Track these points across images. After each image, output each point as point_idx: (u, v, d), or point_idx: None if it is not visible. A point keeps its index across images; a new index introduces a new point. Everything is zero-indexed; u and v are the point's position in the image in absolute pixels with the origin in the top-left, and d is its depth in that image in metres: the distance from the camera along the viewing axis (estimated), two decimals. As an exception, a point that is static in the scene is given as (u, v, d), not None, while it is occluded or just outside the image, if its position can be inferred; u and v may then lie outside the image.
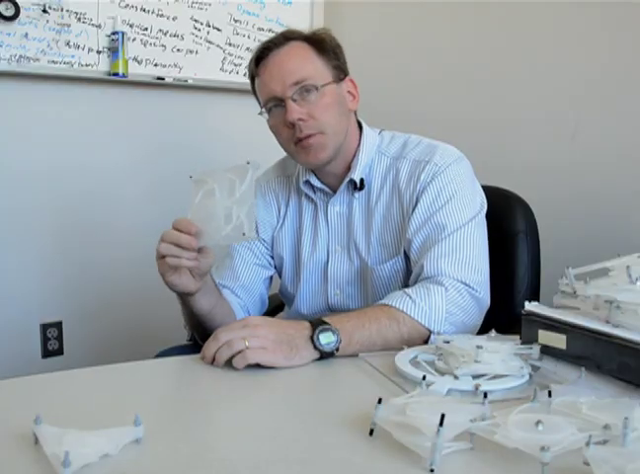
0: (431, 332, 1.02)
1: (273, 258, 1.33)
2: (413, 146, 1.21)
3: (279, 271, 1.34)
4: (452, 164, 1.16)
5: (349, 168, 1.21)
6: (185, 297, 1.10)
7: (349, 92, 1.22)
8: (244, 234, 0.97)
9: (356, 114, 1.26)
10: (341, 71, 1.20)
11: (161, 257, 1.01)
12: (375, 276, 1.20)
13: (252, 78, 1.22)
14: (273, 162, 1.38)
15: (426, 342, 1.02)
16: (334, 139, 1.16)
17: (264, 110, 1.18)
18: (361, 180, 1.20)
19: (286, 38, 1.17)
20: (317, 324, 0.94)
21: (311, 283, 1.28)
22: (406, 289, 1.06)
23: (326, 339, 0.93)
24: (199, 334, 1.18)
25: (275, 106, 1.16)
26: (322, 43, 1.18)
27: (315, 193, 1.26)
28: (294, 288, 1.30)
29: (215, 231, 0.99)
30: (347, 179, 1.21)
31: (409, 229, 1.15)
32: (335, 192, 1.24)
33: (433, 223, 1.12)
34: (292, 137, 1.15)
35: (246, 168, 0.99)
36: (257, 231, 1.24)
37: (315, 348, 0.92)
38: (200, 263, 1.02)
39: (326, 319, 0.96)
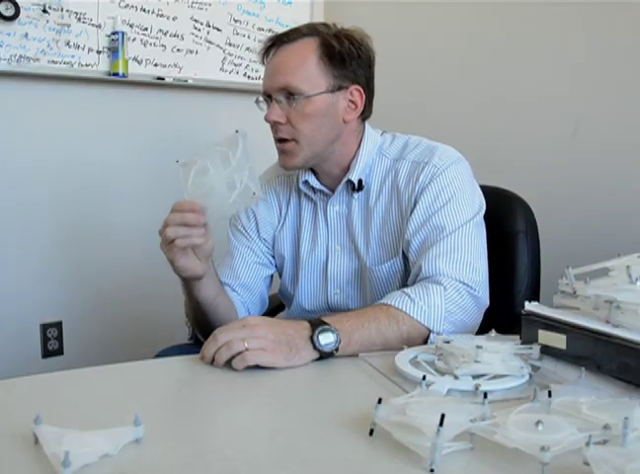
0: (430, 331, 1.02)
1: (274, 257, 1.33)
2: (412, 147, 1.21)
3: (279, 270, 1.34)
4: (451, 165, 1.16)
5: (347, 168, 1.21)
6: (192, 284, 1.10)
7: (351, 101, 1.18)
8: (254, 194, 0.97)
9: (364, 119, 1.23)
10: (344, 79, 1.16)
11: (169, 242, 1.01)
12: (374, 276, 1.20)
13: (262, 64, 1.22)
14: (272, 161, 1.38)
15: (425, 341, 1.02)
16: (306, 150, 1.16)
17: (261, 98, 1.20)
18: (360, 181, 1.20)
19: (300, 33, 1.16)
20: (316, 324, 0.94)
21: (311, 283, 1.28)
22: (405, 289, 1.06)
23: (325, 339, 0.93)
24: (201, 329, 1.19)
25: (265, 100, 1.18)
26: (331, 48, 1.14)
27: (315, 192, 1.26)
28: (293, 288, 1.31)
29: (220, 203, 0.99)
30: (344, 179, 1.21)
31: (408, 230, 1.15)
32: (333, 192, 1.24)
33: (431, 224, 1.12)
34: (273, 135, 1.18)
35: (235, 137, 0.99)
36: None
37: (315, 348, 0.92)
38: (206, 241, 1.03)
39: (325, 319, 0.96)
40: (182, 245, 1.01)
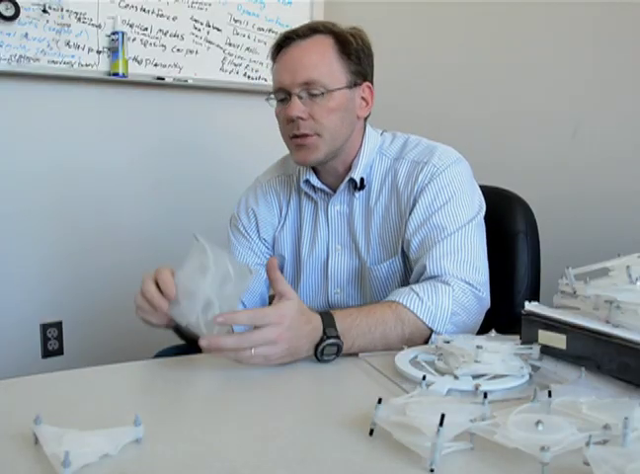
0: (432, 331, 1.02)
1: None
2: (412, 147, 1.21)
3: (279, 270, 1.34)
4: (451, 165, 1.16)
5: (349, 168, 1.22)
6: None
7: (362, 98, 1.19)
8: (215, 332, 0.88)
9: (366, 119, 1.24)
10: (359, 76, 1.17)
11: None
12: (373, 275, 1.20)
13: (272, 61, 1.21)
14: (272, 161, 1.38)
15: (426, 341, 1.02)
16: (329, 144, 1.15)
17: (272, 96, 1.18)
18: (362, 179, 1.20)
19: (313, 30, 1.16)
20: (327, 332, 0.93)
21: (312, 282, 1.28)
22: (413, 286, 1.06)
23: (329, 351, 0.93)
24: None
25: (282, 97, 1.16)
26: (347, 45, 1.15)
27: (315, 192, 1.26)
28: (294, 287, 1.30)
29: (189, 311, 0.91)
30: (347, 178, 1.21)
31: (407, 230, 1.15)
32: (335, 191, 1.24)
33: (431, 224, 1.12)
34: (290, 132, 1.16)
35: (246, 272, 0.93)
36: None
37: (315, 354, 0.93)
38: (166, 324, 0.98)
39: (337, 321, 0.95)
40: (139, 315, 0.98)
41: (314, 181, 1.24)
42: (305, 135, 1.14)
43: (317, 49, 1.14)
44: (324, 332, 0.93)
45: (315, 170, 1.24)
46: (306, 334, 0.92)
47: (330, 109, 1.13)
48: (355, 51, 1.16)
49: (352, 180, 1.21)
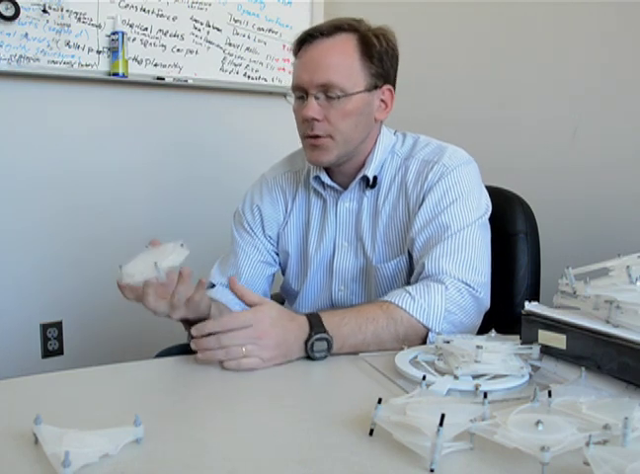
0: (428, 330, 1.02)
1: (277, 254, 1.33)
2: (422, 146, 1.21)
3: (283, 267, 1.34)
4: (460, 166, 1.16)
5: (362, 166, 1.21)
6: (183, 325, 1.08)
7: (382, 100, 1.19)
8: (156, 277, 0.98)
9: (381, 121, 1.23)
10: (380, 78, 1.16)
11: None
12: (379, 274, 1.20)
13: (294, 56, 1.20)
14: (273, 161, 1.38)
15: (423, 341, 1.02)
16: (341, 147, 1.15)
17: (291, 91, 1.18)
18: (374, 177, 1.20)
19: (338, 28, 1.14)
20: (315, 328, 0.95)
21: (317, 279, 1.28)
22: (406, 287, 1.06)
23: (319, 347, 0.95)
24: None
25: (300, 95, 1.15)
26: (370, 47, 1.14)
27: (325, 189, 1.26)
28: (299, 284, 1.30)
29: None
30: (359, 175, 1.20)
31: (413, 228, 1.15)
32: (345, 189, 1.23)
33: (437, 223, 1.12)
34: (304, 131, 1.15)
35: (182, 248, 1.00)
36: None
37: (306, 351, 0.95)
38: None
39: (324, 320, 0.97)
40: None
41: (325, 178, 1.23)
42: (318, 137, 1.14)
43: (339, 50, 1.13)
44: (311, 328, 0.95)
45: (327, 168, 1.24)
46: (292, 329, 0.95)
47: (346, 112, 1.13)
48: (377, 54, 1.14)
49: (364, 177, 1.21)
